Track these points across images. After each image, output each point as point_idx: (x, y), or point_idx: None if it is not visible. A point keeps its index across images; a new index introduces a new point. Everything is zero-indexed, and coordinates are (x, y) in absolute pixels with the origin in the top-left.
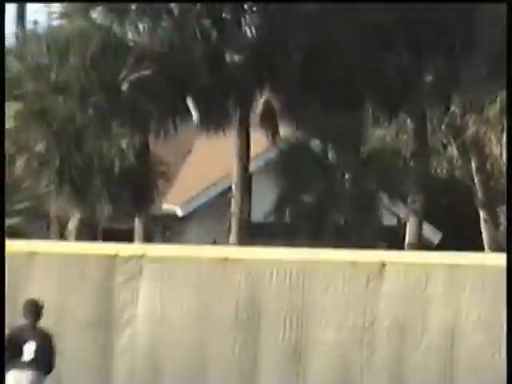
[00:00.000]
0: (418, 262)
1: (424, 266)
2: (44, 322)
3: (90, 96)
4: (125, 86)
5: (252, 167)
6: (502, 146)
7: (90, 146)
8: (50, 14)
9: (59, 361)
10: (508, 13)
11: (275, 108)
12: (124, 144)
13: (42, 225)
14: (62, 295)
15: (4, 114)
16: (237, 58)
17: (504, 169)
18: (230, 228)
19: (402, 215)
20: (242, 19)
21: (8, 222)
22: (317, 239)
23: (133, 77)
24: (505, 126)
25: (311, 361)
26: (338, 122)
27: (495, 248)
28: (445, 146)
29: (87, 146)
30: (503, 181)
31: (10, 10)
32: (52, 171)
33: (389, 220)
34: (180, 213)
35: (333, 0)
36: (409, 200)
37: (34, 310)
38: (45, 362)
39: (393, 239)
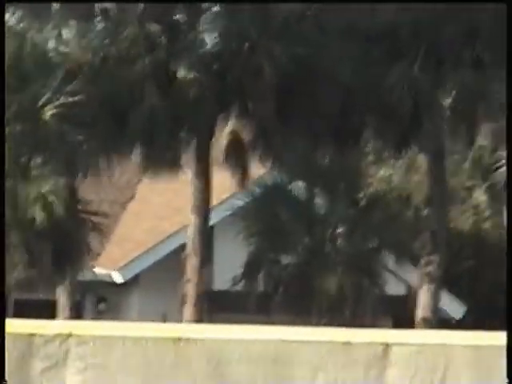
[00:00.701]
0: (434, 343)
1: (442, 349)
2: None
3: None
4: (47, 114)
5: (214, 218)
6: None
7: None
8: None
9: None
10: (508, 13)
11: (244, 140)
12: (46, 188)
13: None
14: None
15: (4, 114)
16: (192, 73)
17: None
18: (184, 299)
19: (413, 282)
20: (200, 22)
21: None
22: (300, 313)
23: (57, 102)
24: None
25: None
26: (328, 158)
27: None
28: (469, 190)
29: None
30: None
31: None
32: None
33: (395, 288)
34: (118, 279)
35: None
36: (422, 262)
37: None
38: None
39: (400, 313)
